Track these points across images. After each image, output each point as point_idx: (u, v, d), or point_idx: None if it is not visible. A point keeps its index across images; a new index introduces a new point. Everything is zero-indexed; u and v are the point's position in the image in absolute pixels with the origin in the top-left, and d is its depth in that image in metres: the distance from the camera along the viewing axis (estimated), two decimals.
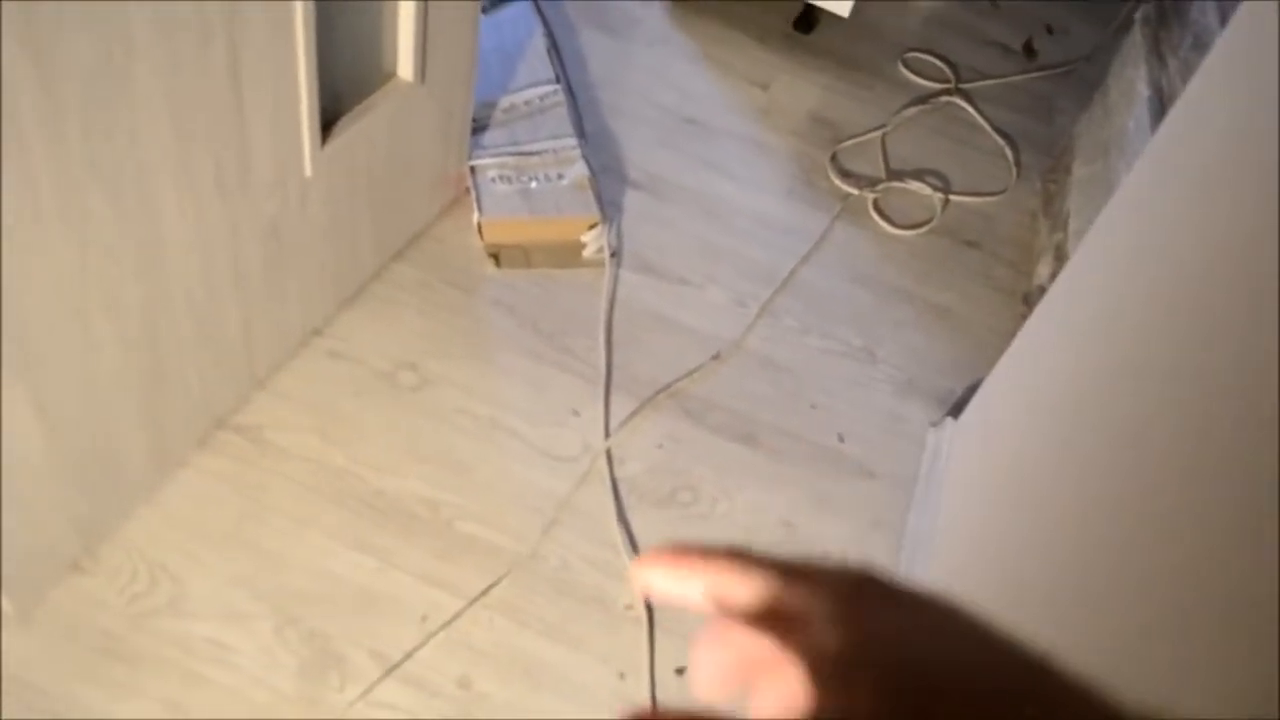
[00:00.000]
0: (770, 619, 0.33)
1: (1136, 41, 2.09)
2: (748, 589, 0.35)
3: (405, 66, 1.52)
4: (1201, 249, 1.06)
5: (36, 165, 0.96)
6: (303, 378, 1.57)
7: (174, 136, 1.12)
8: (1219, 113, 1.18)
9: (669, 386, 1.69)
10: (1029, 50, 2.64)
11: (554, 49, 2.14)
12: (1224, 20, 1.78)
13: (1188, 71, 1.81)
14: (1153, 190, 1.30)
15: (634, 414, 1.64)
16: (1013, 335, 1.89)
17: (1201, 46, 1.81)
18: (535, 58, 2.06)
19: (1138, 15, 2.16)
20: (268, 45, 1.20)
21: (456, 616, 1.39)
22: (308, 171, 1.38)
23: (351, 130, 1.44)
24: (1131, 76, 2.03)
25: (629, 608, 1.45)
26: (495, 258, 1.77)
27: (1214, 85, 1.24)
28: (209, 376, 1.41)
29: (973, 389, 1.77)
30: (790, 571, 0.34)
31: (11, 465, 1.12)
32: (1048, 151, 2.31)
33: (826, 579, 0.33)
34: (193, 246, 1.24)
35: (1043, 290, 1.95)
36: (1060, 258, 1.95)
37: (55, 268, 1.05)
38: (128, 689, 1.27)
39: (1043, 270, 2.00)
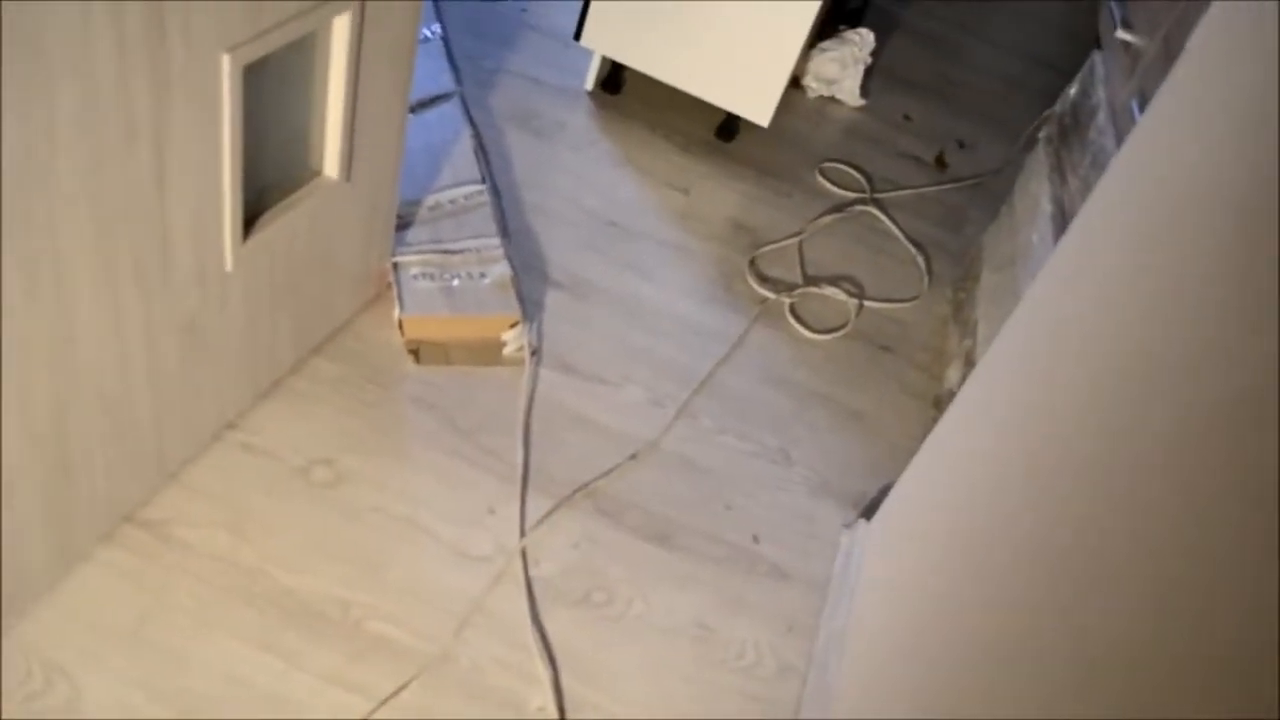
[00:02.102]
0: None
1: (1040, 159, 2.19)
2: None
3: (331, 165, 1.53)
4: (1098, 361, 1.11)
5: None
6: (215, 471, 1.54)
7: (94, 230, 1.12)
8: (1114, 230, 1.24)
9: (586, 486, 1.69)
10: (940, 163, 2.75)
11: (480, 149, 2.18)
12: (1119, 142, 1.88)
13: (1087, 189, 1.90)
14: (1052, 302, 1.36)
15: (550, 513, 1.64)
16: (924, 438, 1.94)
17: (1099, 166, 1.90)
18: (461, 157, 2.10)
19: (1042, 134, 2.27)
20: (194, 143, 1.21)
21: None
22: (228, 266, 1.38)
23: (274, 226, 1.45)
24: (1036, 192, 2.13)
25: (540, 709, 1.43)
26: (415, 354, 1.78)
27: (1109, 204, 1.31)
28: (117, 470, 1.39)
29: (885, 491, 1.81)
30: None
31: None
32: (958, 260, 2.40)
33: None
34: (107, 340, 1.23)
35: (953, 394, 2.01)
36: (969, 363, 2.01)
37: None
38: None
39: (953, 375, 2.05)
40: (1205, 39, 1.21)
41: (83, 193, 1.08)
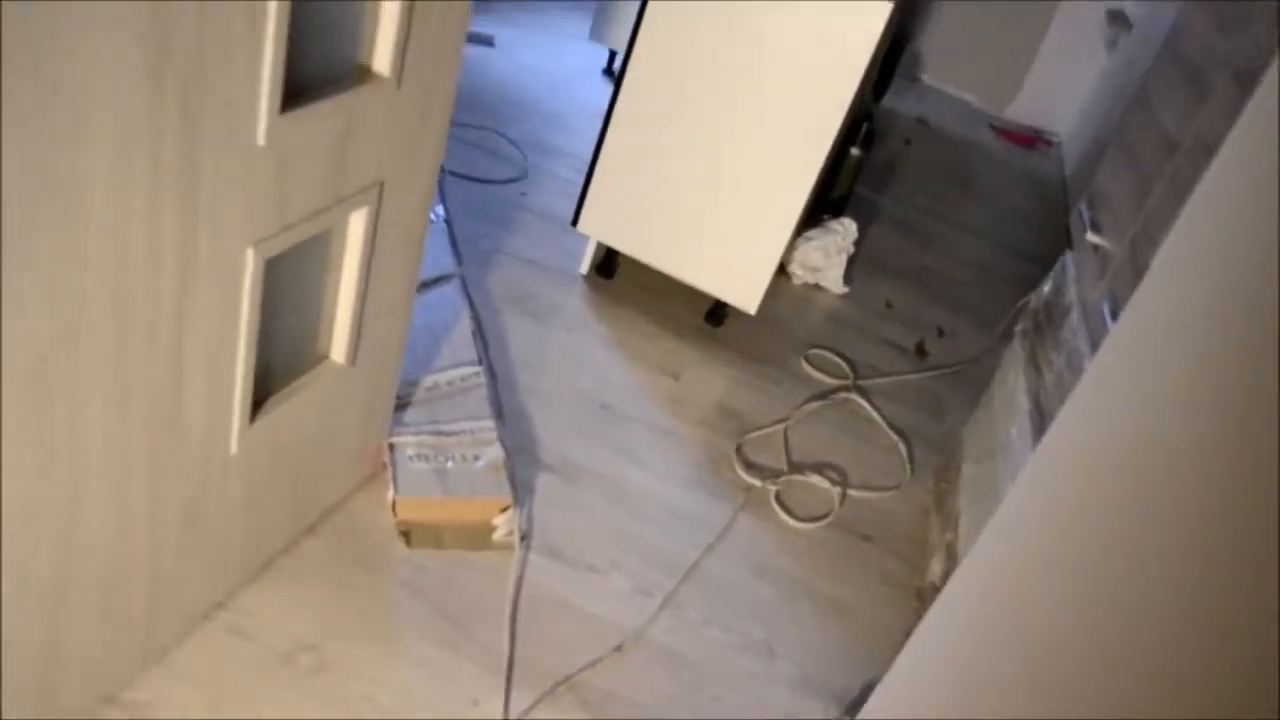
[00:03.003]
0: None
1: (1017, 352, 2.26)
2: None
3: (339, 350, 1.58)
4: (1076, 579, 1.13)
5: None
6: (200, 653, 1.53)
7: (111, 410, 1.15)
8: (1089, 440, 1.29)
9: (569, 679, 1.68)
10: (921, 351, 2.83)
11: (478, 330, 2.24)
12: (1092, 342, 1.95)
13: (1062, 387, 1.97)
14: (1030, 511, 1.39)
15: (532, 707, 1.63)
16: (906, 631, 1.95)
17: (1074, 366, 1.97)
18: (460, 338, 2.15)
19: (1018, 328, 2.35)
20: (212, 329, 1.25)
21: None
22: (233, 449, 1.41)
23: (280, 410, 1.48)
24: (1013, 386, 2.19)
25: None
26: (406, 536, 1.79)
27: (1084, 412, 1.36)
28: (106, 649, 1.38)
29: (868, 688, 1.80)
30: None
31: None
32: (939, 449, 2.45)
33: None
34: (111, 518, 1.24)
35: (935, 587, 2.02)
36: (951, 556, 2.03)
37: None
38: None
39: (935, 568, 2.07)
40: (1171, 256, 1.28)
41: (104, 374, 1.11)
